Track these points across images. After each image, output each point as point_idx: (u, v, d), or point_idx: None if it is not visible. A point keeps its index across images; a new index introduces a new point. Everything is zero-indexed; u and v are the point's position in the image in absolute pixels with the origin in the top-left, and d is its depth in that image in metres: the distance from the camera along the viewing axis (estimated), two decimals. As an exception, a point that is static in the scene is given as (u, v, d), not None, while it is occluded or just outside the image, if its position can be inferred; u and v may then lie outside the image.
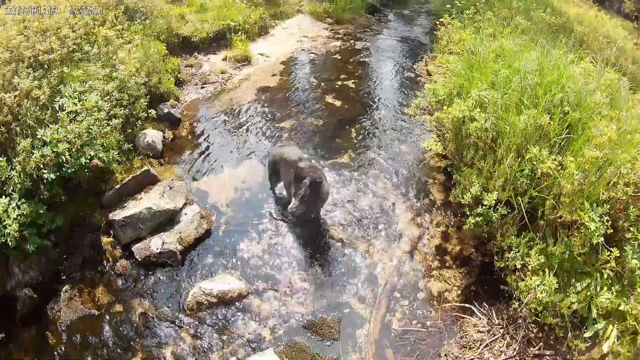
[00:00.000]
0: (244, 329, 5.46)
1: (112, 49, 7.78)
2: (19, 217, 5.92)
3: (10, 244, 5.88)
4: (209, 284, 5.72)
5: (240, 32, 10.45)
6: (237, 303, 5.66)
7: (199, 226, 6.26)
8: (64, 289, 6.28)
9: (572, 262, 4.63)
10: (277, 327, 5.40)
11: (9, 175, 6.10)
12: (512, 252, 4.98)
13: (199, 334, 5.49)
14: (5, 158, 6.10)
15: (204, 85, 9.07)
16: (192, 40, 10.30)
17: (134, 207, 6.32)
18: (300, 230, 6.32)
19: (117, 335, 5.77)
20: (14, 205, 5.99)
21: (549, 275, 4.50)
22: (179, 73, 9.27)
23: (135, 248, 6.17)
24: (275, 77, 9.46)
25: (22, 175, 6.09)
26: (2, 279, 6.56)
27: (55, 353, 5.80)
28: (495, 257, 5.27)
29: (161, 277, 6.04)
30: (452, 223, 6.25)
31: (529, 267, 4.69)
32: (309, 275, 5.84)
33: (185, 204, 6.48)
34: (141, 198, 6.50)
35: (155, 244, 6.09)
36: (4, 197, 6.02)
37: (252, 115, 8.48)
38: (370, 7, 14.50)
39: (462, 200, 5.53)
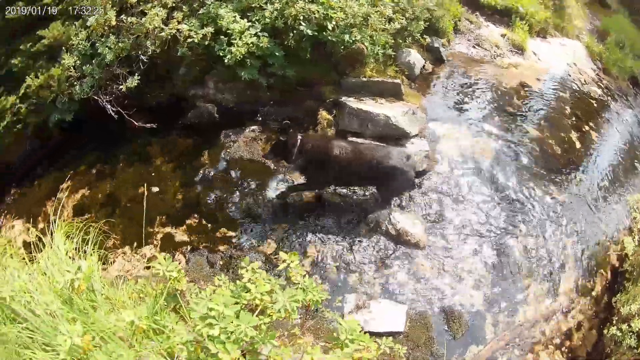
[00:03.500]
0: (394, 273, 5.48)
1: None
2: (251, 44, 6.01)
3: (225, 61, 6.03)
4: (399, 216, 5.74)
5: (525, 22, 9.97)
6: (407, 248, 5.65)
7: (419, 162, 6.19)
8: (252, 128, 6.36)
9: None
10: (421, 293, 5.40)
11: (262, 6, 6.19)
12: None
13: (355, 248, 5.56)
14: None
15: (476, 47, 8.83)
16: (479, -1, 9.94)
17: (372, 106, 6.34)
18: (496, 232, 6.12)
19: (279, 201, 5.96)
20: (252, 32, 6.08)
21: None
22: (459, 21, 9.09)
23: (350, 140, 6.13)
24: (538, 82, 9.02)
25: (274, 14, 6.14)
26: (186, 84, 6.74)
27: (201, 171, 6.15)
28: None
29: (359, 183, 6.05)
30: (591, 318, 5.92)
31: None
32: (475, 271, 5.74)
33: (416, 135, 6.42)
34: (382, 103, 6.50)
35: (373, 150, 5.99)
36: (245, 20, 6.09)
37: (506, 101, 8.19)
38: (633, 77, 13.52)
39: (621, 308, 5.44)
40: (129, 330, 3.20)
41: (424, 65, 7.71)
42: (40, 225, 6.04)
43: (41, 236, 4.39)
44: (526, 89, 8.68)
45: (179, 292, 3.55)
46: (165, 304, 3.53)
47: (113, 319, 3.23)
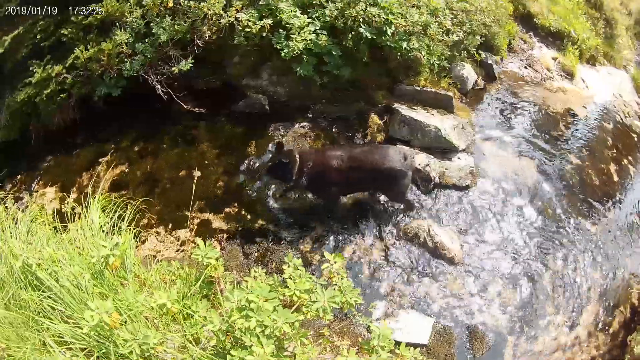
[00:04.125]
0: (426, 286, 5.46)
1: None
2: (309, 41, 5.99)
3: (283, 54, 6.03)
4: (437, 228, 5.72)
5: (576, 47, 9.89)
6: (441, 261, 5.64)
7: (463, 178, 6.21)
8: (302, 124, 6.46)
9: None
10: (450, 309, 5.39)
11: (322, 4, 6.20)
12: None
13: (390, 255, 5.55)
14: None
15: (527, 67, 8.79)
16: (533, 19, 9.84)
17: (423, 116, 6.33)
18: (529, 256, 6.06)
19: (319, 201, 5.93)
20: (311, 29, 6.06)
21: None
22: (513, 40, 9.02)
23: (399, 147, 6.07)
24: (584, 109, 8.89)
25: (334, 13, 6.12)
26: (240, 72, 6.77)
27: (246, 161, 6.23)
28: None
29: (401, 188, 6.03)
30: (604, 354, 5.81)
31: None
32: (504, 293, 5.67)
33: (464, 150, 6.43)
34: (433, 114, 6.49)
35: (420, 159, 6.12)
36: (305, 16, 6.09)
37: (551, 125, 8.10)
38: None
39: (635, 347, 5.37)
40: (157, 312, 3.20)
41: (476, 81, 7.68)
42: (74, 196, 6.05)
43: (76, 206, 4.39)
44: (572, 115, 8.60)
45: (215, 279, 3.54)
46: (198, 289, 3.52)
47: (141, 299, 3.22)
